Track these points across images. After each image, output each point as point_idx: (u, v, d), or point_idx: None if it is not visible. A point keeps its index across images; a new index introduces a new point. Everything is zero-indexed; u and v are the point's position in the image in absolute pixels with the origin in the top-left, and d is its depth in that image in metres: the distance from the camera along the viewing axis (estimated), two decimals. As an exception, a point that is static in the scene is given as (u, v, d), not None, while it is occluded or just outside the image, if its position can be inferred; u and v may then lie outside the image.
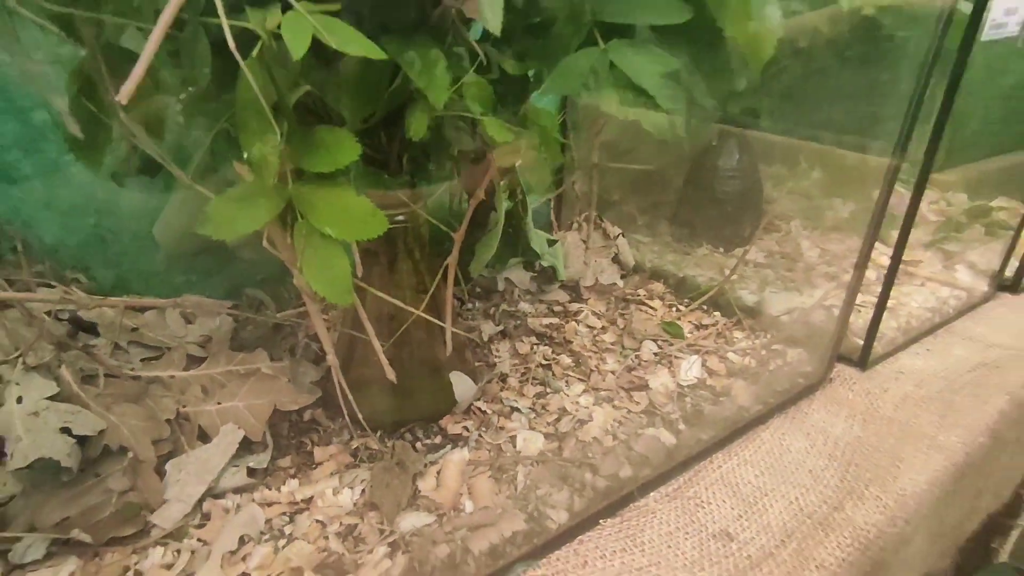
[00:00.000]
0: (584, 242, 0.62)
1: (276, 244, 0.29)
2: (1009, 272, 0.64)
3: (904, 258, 0.67)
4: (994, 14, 0.39)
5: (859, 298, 0.49)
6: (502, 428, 0.41)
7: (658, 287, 0.60)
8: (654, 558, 0.33)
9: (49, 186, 0.43)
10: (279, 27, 0.21)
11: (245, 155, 0.24)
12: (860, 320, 0.52)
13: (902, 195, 0.80)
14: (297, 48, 0.20)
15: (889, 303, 0.59)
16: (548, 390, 0.45)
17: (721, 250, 0.68)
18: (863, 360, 0.50)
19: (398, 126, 0.30)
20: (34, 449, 0.31)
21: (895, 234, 0.69)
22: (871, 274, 0.65)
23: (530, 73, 0.32)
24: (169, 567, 0.30)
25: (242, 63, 0.21)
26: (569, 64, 0.27)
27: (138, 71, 0.20)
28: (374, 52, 0.21)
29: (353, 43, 0.20)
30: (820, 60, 0.56)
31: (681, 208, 0.70)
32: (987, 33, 0.39)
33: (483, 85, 0.29)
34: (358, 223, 0.26)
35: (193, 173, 0.30)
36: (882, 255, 0.67)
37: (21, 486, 0.31)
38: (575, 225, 0.66)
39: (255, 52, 0.22)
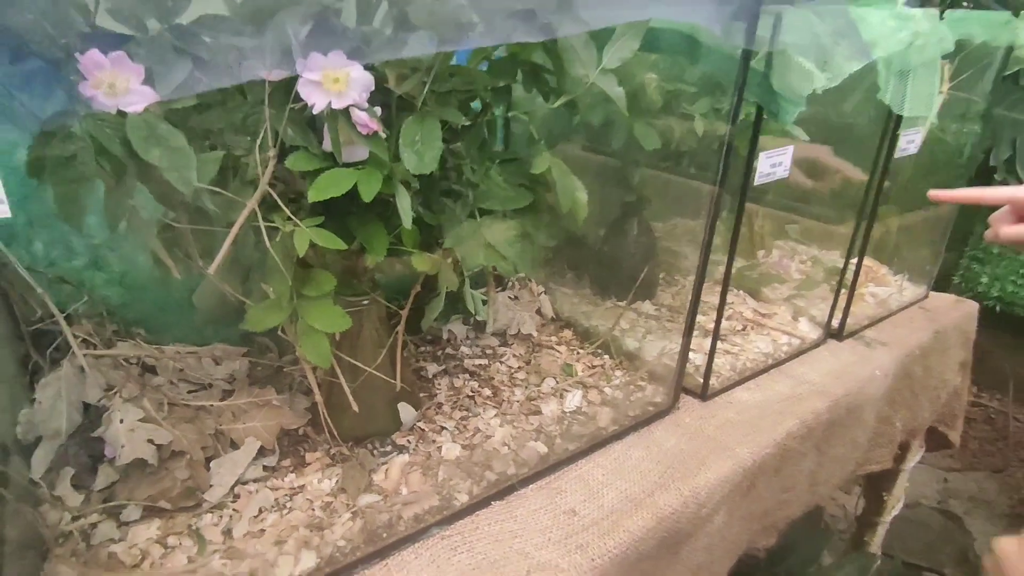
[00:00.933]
0: (513, 299, 0.81)
1: (286, 330, 0.48)
2: (836, 323, 0.84)
3: (762, 311, 0.87)
4: (762, 167, 0.59)
5: (719, 344, 0.69)
6: (433, 441, 0.60)
7: (567, 334, 0.80)
8: (523, 525, 0.52)
9: (123, 274, 0.62)
10: (292, 233, 0.40)
11: (271, 289, 0.43)
12: (719, 361, 0.72)
13: (785, 263, 1.01)
14: (300, 247, 0.39)
15: (734, 348, 0.79)
16: (470, 414, 0.64)
17: (622, 303, 0.87)
18: (703, 393, 0.70)
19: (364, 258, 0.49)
20: (131, 453, 0.49)
21: (766, 291, 0.90)
22: (735, 324, 0.85)
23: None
24: (215, 525, 0.49)
25: (271, 248, 0.40)
26: (459, 231, 0.46)
27: (223, 252, 0.39)
28: (342, 246, 0.40)
29: (332, 242, 0.40)
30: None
31: (594, 268, 0.90)
32: (758, 179, 0.59)
33: (414, 232, 0.48)
34: (333, 322, 0.45)
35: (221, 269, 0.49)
36: (752, 308, 0.88)
37: (124, 474, 0.50)
38: (510, 284, 0.85)
39: (277, 239, 0.41)
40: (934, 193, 0.54)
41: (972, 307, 1.01)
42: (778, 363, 0.77)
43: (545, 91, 0.51)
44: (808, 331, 0.84)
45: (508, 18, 0.38)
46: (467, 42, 0.37)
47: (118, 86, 0.33)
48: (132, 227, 0.43)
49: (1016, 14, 0.78)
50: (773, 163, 0.60)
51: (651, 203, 0.84)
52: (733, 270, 0.66)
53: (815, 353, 0.81)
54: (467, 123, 0.43)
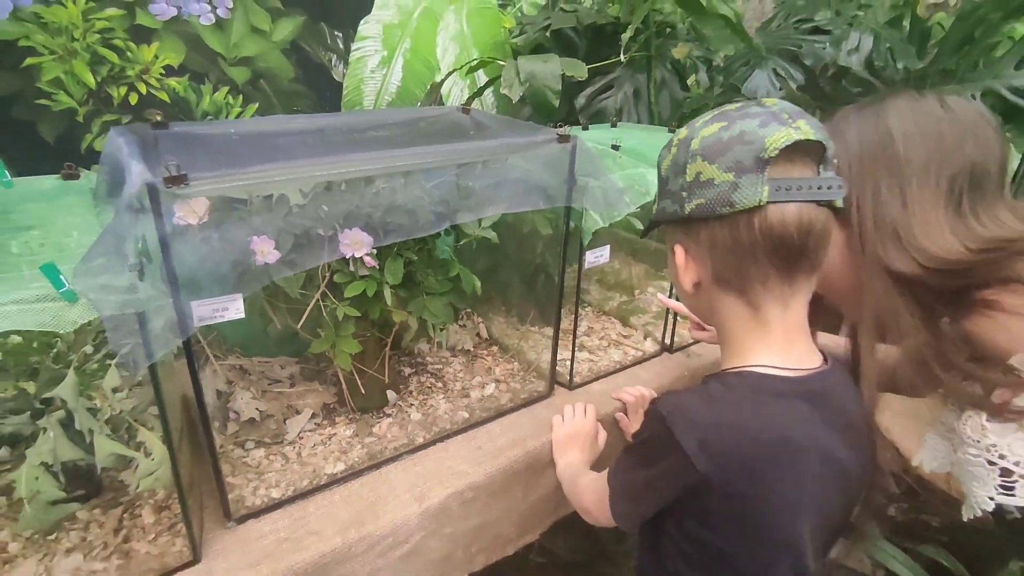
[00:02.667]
0: (461, 326, 1.28)
1: (329, 351, 0.94)
2: (668, 340, 1.30)
3: (624, 333, 1.33)
4: (589, 258, 1.05)
5: (588, 354, 1.15)
6: (405, 411, 1.06)
7: (494, 349, 1.26)
8: (452, 453, 0.99)
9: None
10: (335, 309, 0.86)
11: (322, 332, 0.90)
12: (584, 366, 1.18)
13: (647, 300, 1.47)
14: (340, 316, 0.85)
15: (595, 357, 1.25)
16: (427, 397, 1.10)
17: (536, 327, 1.33)
18: (570, 385, 1.16)
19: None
20: (247, 414, 0.96)
21: (633, 319, 1.35)
22: (603, 342, 1.31)
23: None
24: (293, 450, 0.95)
25: (326, 315, 0.86)
26: (416, 303, 0.93)
27: (305, 316, 0.86)
28: (355, 342, 0.87)
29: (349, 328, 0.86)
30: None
31: (516, 306, 1.36)
32: (587, 265, 1.05)
33: (395, 304, 0.95)
34: (351, 347, 0.92)
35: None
36: (617, 331, 1.33)
37: (242, 426, 0.96)
38: (460, 319, 1.32)
39: (328, 311, 0.87)
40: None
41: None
42: (624, 367, 1.24)
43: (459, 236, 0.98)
44: (650, 347, 1.30)
45: (433, 211, 0.85)
46: (418, 231, 0.83)
47: (265, 250, 0.80)
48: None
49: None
50: (596, 255, 1.06)
51: (549, 266, 1.30)
52: (616, 305, 1.12)
53: (651, 361, 1.28)
54: (415, 258, 0.90)
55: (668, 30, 2.07)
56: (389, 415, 1.05)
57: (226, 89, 1.96)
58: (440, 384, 1.14)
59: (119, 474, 0.81)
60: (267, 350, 1.12)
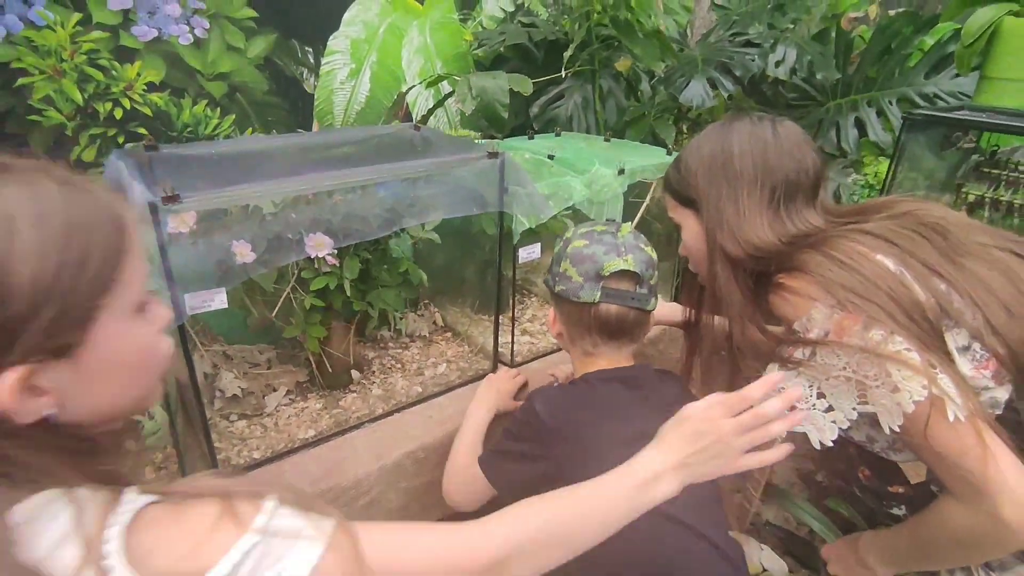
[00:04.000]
0: (419, 315, 1.46)
1: (301, 337, 1.12)
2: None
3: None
4: (522, 255, 1.24)
5: (529, 338, 1.33)
6: (368, 388, 1.24)
7: (448, 335, 1.44)
8: (408, 421, 1.17)
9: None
10: (303, 301, 1.04)
11: (294, 320, 1.07)
12: (524, 347, 1.37)
13: None
14: (308, 306, 1.03)
15: (535, 340, 1.44)
16: (387, 376, 1.28)
17: (485, 315, 1.51)
18: (512, 364, 1.35)
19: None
20: (231, 391, 1.13)
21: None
22: (544, 327, 1.49)
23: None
24: (272, 420, 1.13)
25: (296, 305, 1.04)
26: (374, 295, 1.10)
27: (278, 307, 1.03)
28: (321, 329, 1.04)
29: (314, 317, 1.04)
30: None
31: (470, 296, 1.55)
32: (521, 260, 1.24)
33: (356, 295, 1.12)
34: (319, 332, 1.09)
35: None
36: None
37: (226, 401, 1.14)
38: (420, 308, 1.50)
39: (299, 301, 1.04)
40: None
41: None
42: (560, 349, 1.43)
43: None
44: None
45: (383, 217, 1.02)
46: (372, 234, 1.00)
47: (243, 252, 0.97)
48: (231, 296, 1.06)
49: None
50: (529, 251, 1.25)
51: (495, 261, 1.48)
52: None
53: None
54: (370, 256, 1.07)
55: (615, 43, 2.26)
56: (354, 391, 1.23)
57: (204, 103, 2.11)
58: (399, 365, 1.32)
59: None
60: (247, 339, 1.29)
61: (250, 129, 2.24)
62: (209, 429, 0.97)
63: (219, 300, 0.90)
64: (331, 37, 2.33)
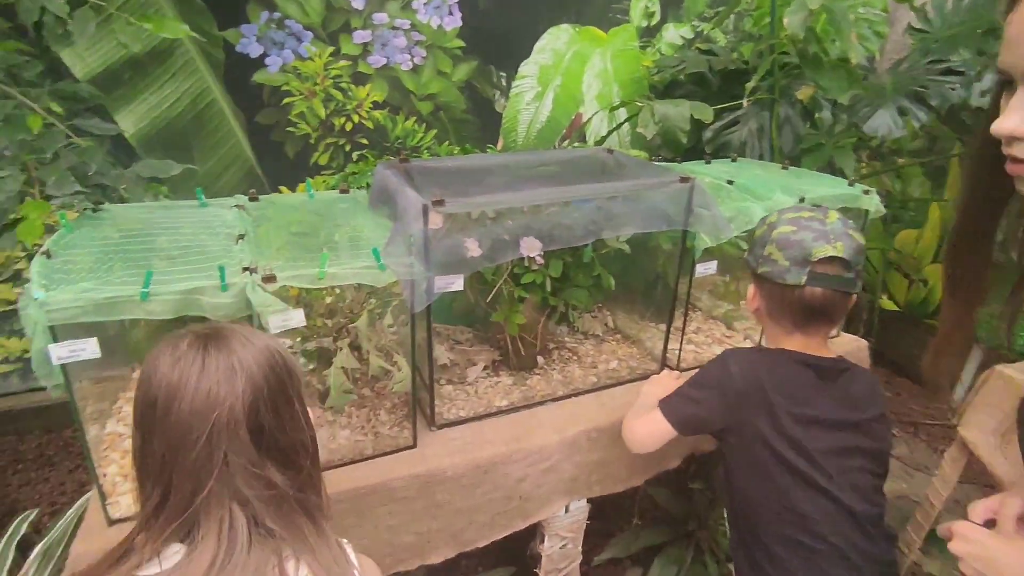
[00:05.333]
0: (593, 317, 1.63)
1: (503, 322, 1.34)
2: (757, 337, 1.55)
3: (727, 333, 1.62)
4: (699, 270, 1.35)
5: (695, 345, 1.46)
6: (550, 373, 1.43)
7: (619, 336, 1.59)
8: (580, 406, 1.34)
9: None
10: (512, 292, 1.25)
11: (500, 308, 1.30)
12: (689, 355, 1.49)
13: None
14: (515, 297, 1.24)
15: (700, 349, 1.54)
16: (566, 364, 1.46)
17: (654, 323, 1.65)
18: (678, 367, 1.46)
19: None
20: (442, 361, 1.38)
21: (736, 323, 1.63)
22: (709, 339, 1.60)
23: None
24: (473, 389, 1.36)
25: (505, 296, 1.26)
26: (567, 294, 1.29)
27: (493, 294, 1.26)
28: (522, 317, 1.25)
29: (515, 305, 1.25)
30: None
31: (643, 301, 1.69)
32: (697, 275, 1.36)
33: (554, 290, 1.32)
34: (519, 319, 1.30)
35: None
36: (721, 332, 1.62)
37: (442, 369, 1.39)
38: (594, 311, 1.67)
39: (504, 295, 1.26)
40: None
41: (862, 344, 1.65)
42: (724, 360, 1.52)
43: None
44: (742, 341, 1.57)
45: (585, 229, 1.21)
46: (574, 241, 1.19)
47: (473, 248, 1.20)
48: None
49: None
50: (705, 267, 1.36)
51: (668, 274, 1.61)
52: (723, 311, 1.42)
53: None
54: (569, 260, 1.27)
55: (796, 70, 2.28)
56: (538, 373, 1.42)
57: (414, 119, 2.49)
58: (575, 357, 1.50)
59: (375, 383, 1.26)
60: (450, 320, 1.55)
61: (446, 143, 2.59)
62: (434, 384, 1.21)
63: (458, 283, 1.14)
64: (523, 63, 2.61)
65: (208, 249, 0.99)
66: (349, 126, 2.39)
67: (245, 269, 0.90)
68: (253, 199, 1.25)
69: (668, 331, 1.42)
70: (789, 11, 1.80)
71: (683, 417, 1.08)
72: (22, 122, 1.16)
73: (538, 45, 2.61)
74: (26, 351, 2.22)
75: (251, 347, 0.67)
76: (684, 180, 1.23)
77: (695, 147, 2.38)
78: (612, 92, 2.79)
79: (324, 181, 2.42)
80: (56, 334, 0.80)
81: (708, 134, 2.35)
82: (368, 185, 1.39)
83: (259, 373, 0.66)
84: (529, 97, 2.68)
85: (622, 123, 2.50)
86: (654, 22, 2.79)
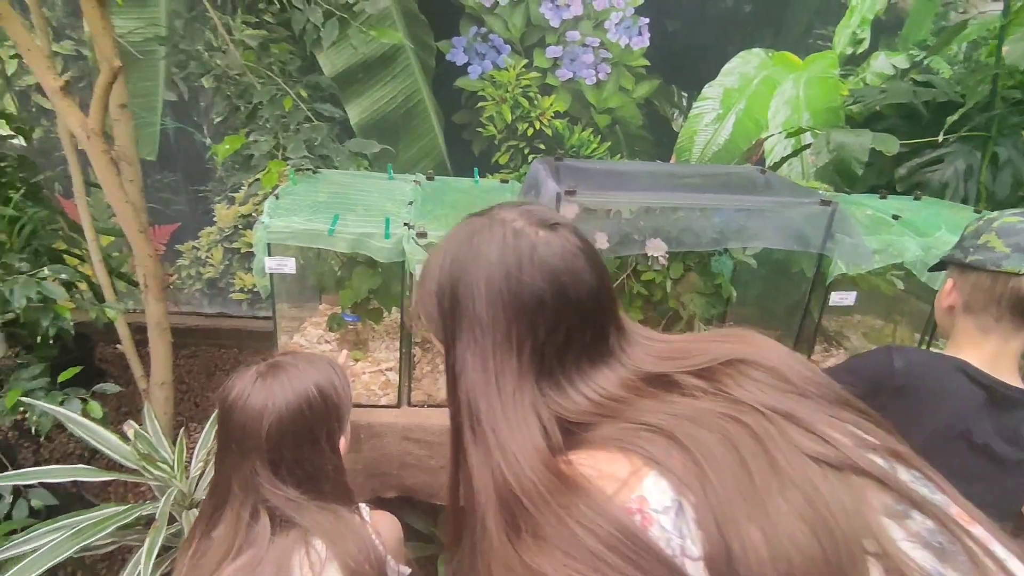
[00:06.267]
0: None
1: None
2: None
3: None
4: (833, 299, 1.31)
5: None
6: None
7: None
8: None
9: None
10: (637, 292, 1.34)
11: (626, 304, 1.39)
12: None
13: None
14: (635, 298, 1.33)
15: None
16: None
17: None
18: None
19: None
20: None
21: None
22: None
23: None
24: None
25: (628, 293, 1.35)
26: (692, 299, 1.35)
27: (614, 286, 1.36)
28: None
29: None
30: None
31: (773, 322, 1.65)
32: (831, 303, 1.31)
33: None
34: (637, 319, 1.38)
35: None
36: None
37: None
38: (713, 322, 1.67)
39: (634, 292, 1.35)
40: None
41: None
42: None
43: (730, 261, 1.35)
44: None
45: (712, 236, 1.25)
46: (699, 247, 1.25)
47: (601, 240, 1.32)
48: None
49: None
50: (842, 297, 1.31)
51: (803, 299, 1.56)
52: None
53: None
54: (692, 265, 1.32)
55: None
56: (649, 373, 1.48)
57: (590, 130, 2.65)
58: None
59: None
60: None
61: (619, 155, 2.71)
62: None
63: (578, 269, 1.26)
64: (707, 85, 2.63)
65: (384, 208, 1.24)
66: (530, 131, 2.63)
67: (405, 224, 1.12)
68: (429, 178, 1.50)
69: (814, 344, 1.39)
70: (1011, 39, 1.62)
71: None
72: (280, 102, 1.54)
73: (726, 67, 2.61)
74: (255, 285, 2.80)
75: (289, 389, 0.79)
76: (825, 203, 1.21)
77: (887, 184, 2.20)
78: (801, 120, 2.68)
79: (497, 178, 2.70)
80: (270, 250, 1.09)
81: (902, 171, 2.16)
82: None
83: (287, 415, 0.78)
84: (709, 118, 2.69)
85: (799, 151, 2.40)
86: (861, 50, 2.63)
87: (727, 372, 0.56)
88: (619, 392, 0.56)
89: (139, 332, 1.72)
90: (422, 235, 1.11)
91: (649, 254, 1.26)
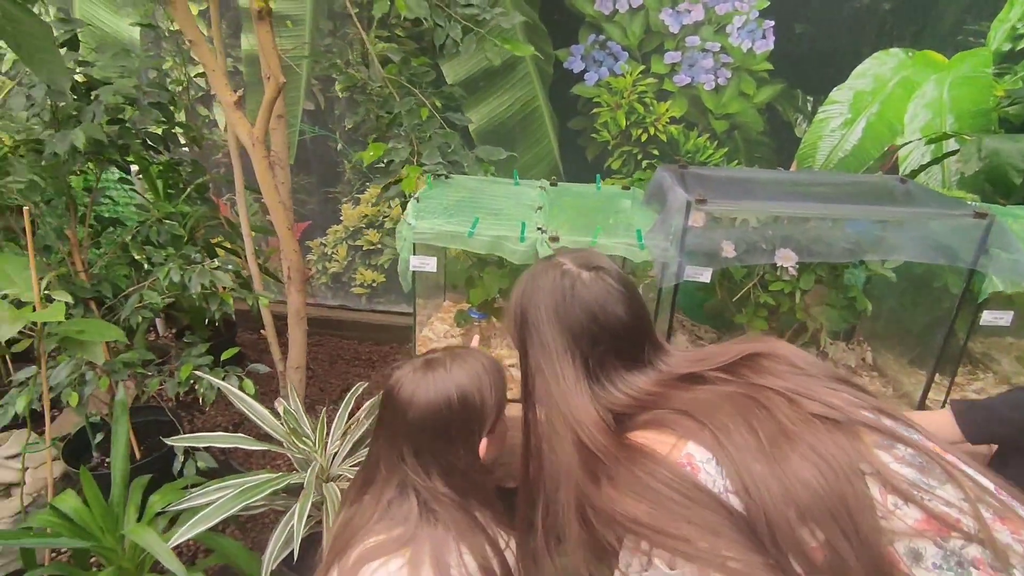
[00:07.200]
0: (851, 348, 1.56)
1: (747, 330, 1.41)
2: None
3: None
4: (985, 317, 1.22)
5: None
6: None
7: (875, 374, 1.50)
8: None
9: (686, 295, 1.66)
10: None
11: (743, 315, 1.37)
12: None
13: None
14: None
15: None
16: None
17: (919, 368, 1.50)
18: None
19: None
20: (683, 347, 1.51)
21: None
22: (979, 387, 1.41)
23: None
24: None
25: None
26: (821, 312, 1.30)
27: (741, 293, 1.35)
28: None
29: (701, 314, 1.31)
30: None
31: (913, 343, 1.55)
32: (983, 323, 1.22)
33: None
34: (760, 330, 1.36)
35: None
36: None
37: None
38: (854, 340, 1.59)
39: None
40: None
41: None
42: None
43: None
44: None
45: (845, 248, 1.21)
46: (832, 258, 1.21)
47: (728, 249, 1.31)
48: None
49: None
50: (996, 316, 1.22)
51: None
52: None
53: None
54: (824, 276, 1.27)
55: None
56: (771, 385, 1.45)
57: (706, 136, 2.60)
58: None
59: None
60: (700, 319, 1.66)
61: (736, 162, 2.64)
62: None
63: (705, 275, 1.26)
64: (835, 88, 2.51)
65: (515, 213, 1.31)
66: (644, 137, 2.63)
67: (538, 229, 1.18)
68: (553, 184, 1.56)
69: (930, 379, 1.31)
70: None
71: (977, 428, 1.01)
72: (417, 113, 1.66)
73: (858, 70, 2.47)
74: (374, 281, 3.00)
75: (433, 389, 0.84)
76: (980, 215, 1.14)
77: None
78: (944, 124, 2.48)
79: (613, 183, 2.71)
80: (415, 249, 1.19)
81: (1067, 180, 1.95)
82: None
83: (428, 412, 0.83)
84: (836, 123, 2.56)
85: (942, 157, 2.22)
86: (1021, 46, 2.39)
87: (746, 364, 0.73)
88: (653, 388, 0.74)
89: (276, 320, 1.92)
90: (554, 239, 1.16)
91: (779, 264, 1.24)
